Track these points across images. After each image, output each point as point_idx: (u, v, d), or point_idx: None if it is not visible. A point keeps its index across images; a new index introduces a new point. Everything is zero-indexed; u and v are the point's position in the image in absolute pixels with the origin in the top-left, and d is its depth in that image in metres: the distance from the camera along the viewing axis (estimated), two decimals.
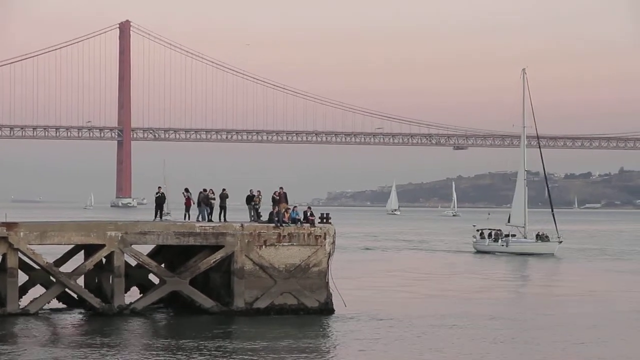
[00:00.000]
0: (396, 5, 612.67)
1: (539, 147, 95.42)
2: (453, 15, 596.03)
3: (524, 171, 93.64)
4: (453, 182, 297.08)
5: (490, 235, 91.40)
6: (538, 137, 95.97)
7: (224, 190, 44.15)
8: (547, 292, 56.69)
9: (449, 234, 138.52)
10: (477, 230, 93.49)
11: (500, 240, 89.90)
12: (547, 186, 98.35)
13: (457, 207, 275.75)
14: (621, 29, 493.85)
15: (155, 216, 44.51)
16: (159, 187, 46.33)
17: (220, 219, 42.84)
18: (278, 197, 42.38)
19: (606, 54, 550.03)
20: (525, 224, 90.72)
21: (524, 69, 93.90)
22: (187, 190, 44.37)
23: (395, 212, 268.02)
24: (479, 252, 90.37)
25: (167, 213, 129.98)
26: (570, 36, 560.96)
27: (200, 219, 43.10)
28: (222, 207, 43.54)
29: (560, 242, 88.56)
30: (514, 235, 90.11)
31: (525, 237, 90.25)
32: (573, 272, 70.82)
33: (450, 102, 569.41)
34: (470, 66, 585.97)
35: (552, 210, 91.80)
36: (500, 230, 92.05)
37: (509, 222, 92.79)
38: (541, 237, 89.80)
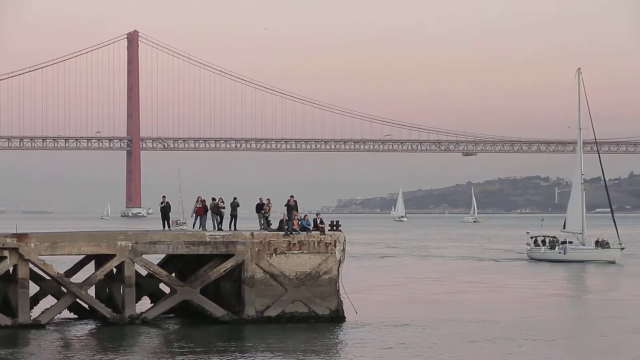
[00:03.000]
0: (403, 11, 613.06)
1: (598, 151, 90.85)
2: (457, 20, 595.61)
3: (580, 175, 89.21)
4: (472, 188, 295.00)
5: (544, 242, 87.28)
6: (596, 142, 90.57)
7: (235, 199, 44.12)
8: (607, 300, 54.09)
9: (501, 241, 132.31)
10: (531, 238, 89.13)
11: (557, 248, 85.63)
12: (607, 190, 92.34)
13: (467, 213, 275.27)
14: (621, 30, 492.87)
15: (164, 226, 44.46)
16: (164, 197, 45.94)
17: (230, 227, 42.83)
18: (292, 205, 42.24)
19: (606, 56, 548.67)
20: (583, 230, 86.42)
21: (579, 69, 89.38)
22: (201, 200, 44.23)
23: (403, 219, 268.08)
24: (533, 260, 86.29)
25: (183, 222, 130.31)
26: (571, 37, 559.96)
27: (201, 227, 42.97)
28: (233, 216, 43.53)
29: (622, 248, 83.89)
30: (570, 242, 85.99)
31: (583, 244, 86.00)
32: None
33: (459, 108, 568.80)
34: (477, 71, 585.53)
35: (613, 215, 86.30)
36: (555, 237, 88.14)
37: (564, 228, 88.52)
38: (601, 244, 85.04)
